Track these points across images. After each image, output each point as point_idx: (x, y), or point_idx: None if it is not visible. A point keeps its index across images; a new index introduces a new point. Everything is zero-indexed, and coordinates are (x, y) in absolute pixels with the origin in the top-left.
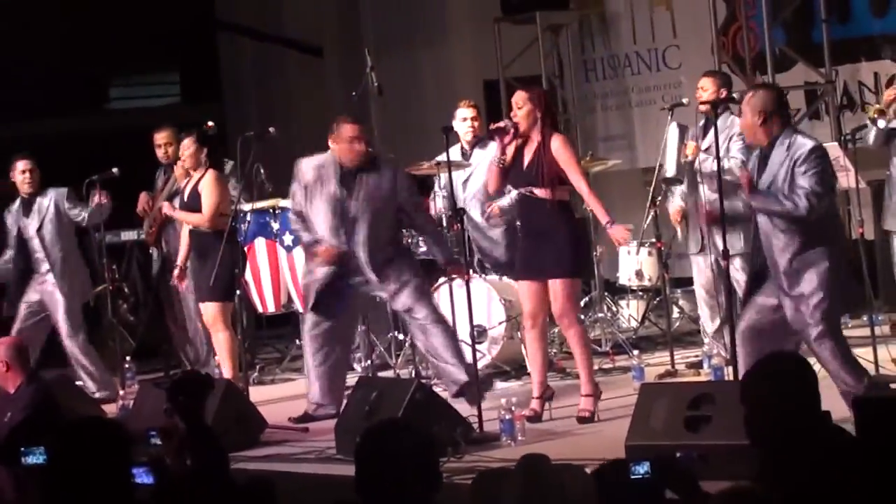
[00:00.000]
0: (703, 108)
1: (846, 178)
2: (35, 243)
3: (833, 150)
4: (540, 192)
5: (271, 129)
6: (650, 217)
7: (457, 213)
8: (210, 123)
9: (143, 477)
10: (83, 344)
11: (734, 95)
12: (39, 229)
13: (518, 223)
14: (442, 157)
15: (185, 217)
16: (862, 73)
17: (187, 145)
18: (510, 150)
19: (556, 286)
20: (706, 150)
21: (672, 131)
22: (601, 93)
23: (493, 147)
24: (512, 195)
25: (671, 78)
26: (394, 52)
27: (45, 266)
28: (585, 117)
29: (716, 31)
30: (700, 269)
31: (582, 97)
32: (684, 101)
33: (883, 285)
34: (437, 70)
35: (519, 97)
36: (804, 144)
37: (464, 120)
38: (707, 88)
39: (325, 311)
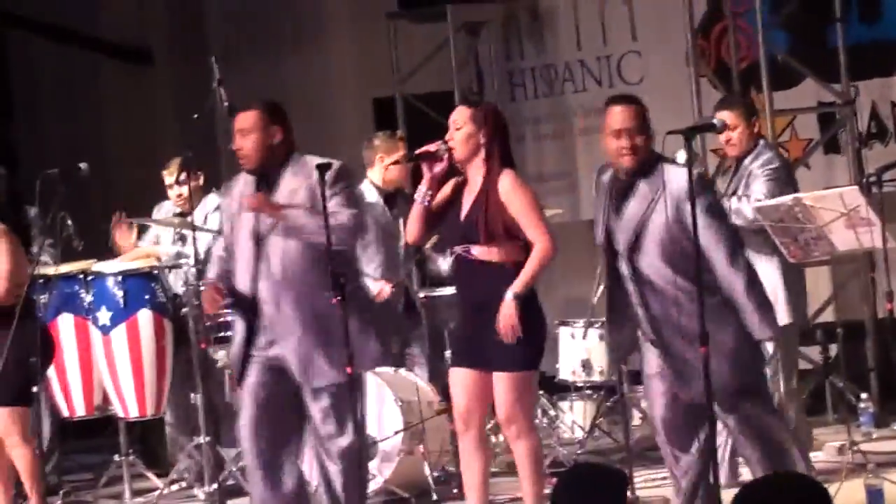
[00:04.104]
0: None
1: (870, 236)
2: None
3: (852, 195)
4: (480, 252)
5: (82, 166)
6: (601, 287)
7: (336, 279)
8: None
9: None
10: None
11: (714, 122)
12: None
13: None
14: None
15: None
16: None
17: None
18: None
19: (501, 382)
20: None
21: None
22: (532, 116)
23: None
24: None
25: None
26: (251, 61)
27: None
28: (511, 148)
29: (692, 33)
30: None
31: (507, 121)
32: None
33: None
34: (309, 85)
35: (460, 115)
36: None
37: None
38: (735, 125)
39: None
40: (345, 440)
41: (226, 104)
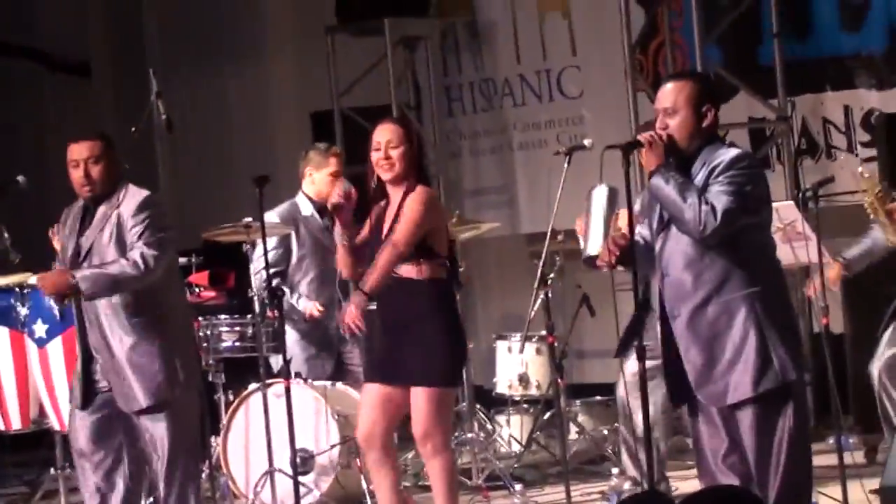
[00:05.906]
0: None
1: (805, 250)
2: None
3: (788, 211)
4: (403, 270)
5: (20, 179)
6: (539, 301)
7: (273, 294)
8: None
9: None
10: None
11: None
12: None
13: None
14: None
15: None
16: (827, 105)
17: None
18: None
19: (419, 397)
20: None
21: (598, 194)
22: (470, 131)
23: None
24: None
25: (569, 110)
26: (190, 75)
27: None
28: (449, 164)
29: (629, 48)
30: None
31: (444, 136)
32: (586, 142)
33: (855, 397)
34: (248, 99)
35: (395, 134)
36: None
37: None
38: None
39: None
40: None
41: (164, 117)
